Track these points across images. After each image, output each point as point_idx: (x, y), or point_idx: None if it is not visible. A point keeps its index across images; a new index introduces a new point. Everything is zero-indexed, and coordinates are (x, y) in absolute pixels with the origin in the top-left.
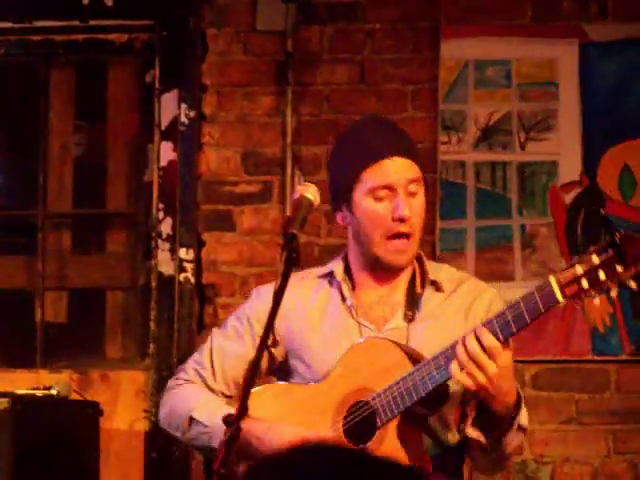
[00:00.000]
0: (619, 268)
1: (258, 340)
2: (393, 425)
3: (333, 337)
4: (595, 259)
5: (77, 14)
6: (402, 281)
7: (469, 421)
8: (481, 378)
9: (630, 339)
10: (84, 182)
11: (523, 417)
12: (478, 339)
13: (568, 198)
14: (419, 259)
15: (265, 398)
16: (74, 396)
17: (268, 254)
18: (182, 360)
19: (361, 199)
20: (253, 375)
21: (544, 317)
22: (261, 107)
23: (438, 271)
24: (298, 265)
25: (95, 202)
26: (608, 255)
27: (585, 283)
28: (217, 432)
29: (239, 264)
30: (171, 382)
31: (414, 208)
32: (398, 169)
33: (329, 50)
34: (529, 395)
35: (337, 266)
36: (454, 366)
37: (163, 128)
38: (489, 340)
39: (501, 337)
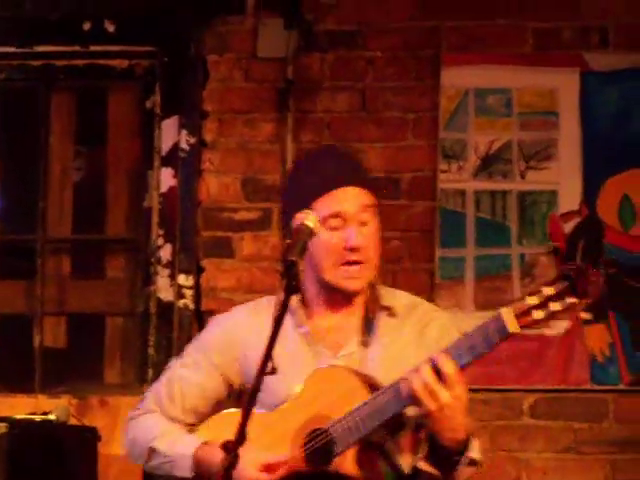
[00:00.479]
0: (570, 300)
1: (216, 370)
2: (351, 452)
3: (287, 365)
4: (548, 290)
5: (78, 39)
6: (357, 307)
7: (420, 455)
8: (433, 406)
9: (629, 369)
10: (84, 207)
11: (475, 451)
12: (435, 366)
13: (568, 227)
14: (372, 285)
15: (223, 426)
16: (73, 421)
17: (267, 281)
18: None
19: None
20: (252, 402)
21: (543, 347)
22: (262, 134)
23: (392, 296)
24: (298, 292)
25: (95, 227)
26: (560, 287)
27: (537, 314)
28: (178, 461)
29: (238, 290)
30: (131, 412)
31: (366, 236)
32: (349, 198)
33: (330, 77)
34: (527, 424)
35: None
36: (409, 392)
37: (163, 154)
38: (446, 367)
39: (456, 365)
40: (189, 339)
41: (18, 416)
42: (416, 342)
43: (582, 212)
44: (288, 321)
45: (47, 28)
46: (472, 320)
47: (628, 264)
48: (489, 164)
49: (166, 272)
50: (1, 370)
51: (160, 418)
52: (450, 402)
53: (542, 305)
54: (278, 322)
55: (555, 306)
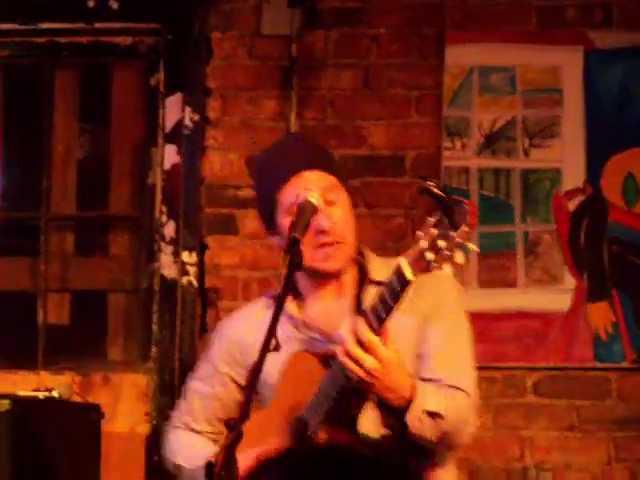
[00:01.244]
0: (452, 233)
1: (226, 378)
2: (323, 431)
3: (283, 357)
4: (433, 230)
5: (82, 16)
6: (347, 288)
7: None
8: (360, 372)
9: (632, 347)
10: (88, 185)
11: (430, 403)
12: (355, 331)
13: (571, 205)
14: (359, 262)
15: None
16: (75, 398)
17: (271, 258)
18: (184, 363)
19: (282, 220)
20: (255, 380)
21: (547, 325)
22: (265, 111)
23: (384, 268)
24: (301, 269)
25: (98, 205)
26: (443, 223)
27: (429, 255)
28: (198, 473)
29: (242, 268)
30: (164, 429)
31: (335, 216)
32: (308, 183)
33: (334, 55)
34: (531, 402)
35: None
36: (339, 361)
37: (167, 131)
38: (362, 334)
39: (375, 326)
40: (192, 316)
41: (21, 393)
42: (410, 309)
43: (586, 190)
44: (282, 314)
45: (51, 5)
46: (476, 298)
47: (632, 242)
48: (493, 142)
49: (170, 249)
50: (4, 347)
51: (183, 434)
52: (377, 366)
53: (431, 246)
54: (282, 299)
55: (441, 243)
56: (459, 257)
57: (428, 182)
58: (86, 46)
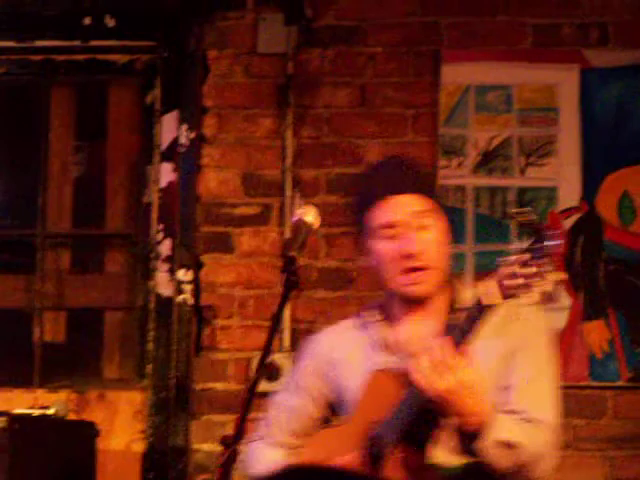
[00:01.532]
0: (544, 261)
1: (315, 392)
2: (398, 451)
3: (363, 376)
4: (524, 257)
5: (78, 34)
6: (436, 313)
7: (450, 445)
8: (435, 390)
9: (628, 365)
10: (83, 202)
11: (502, 431)
12: (434, 351)
13: (567, 223)
14: (450, 289)
15: (321, 443)
16: (71, 416)
17: (266, 276)
18: (180, 381)
19: (370, 242)
20: (250, 398)
21: None
22: (261, 129)
23: (470, 297)
24: (298, 288)
25: (94, 222)
26: (534, 251)
27: (519, 281)
28: None
29: (237, 286)
30: (247, 441)
31: (425, 241)
32: (399, 207)
33: (330, 73)
34: None
35: (372, 309)
36: (415, 378)
37: (163, 149)
38: (443, 351)
39: (458, 345)
40: (188, 334)
41: (17, 411)
42: (496, 335)
43: (582, 208)
44: (371, 336)
45: (47, 23)
46: None
47: (628, 260)
48: (489, 160)
49: (165, 267)
50: (0, 364)
51: (267, 447)
52: (451, 386)
53: (521, 272)
54: (276, 318)
55: (531, 270)
56: (547, 285)
57: (522, 210)
58: (82, 64)
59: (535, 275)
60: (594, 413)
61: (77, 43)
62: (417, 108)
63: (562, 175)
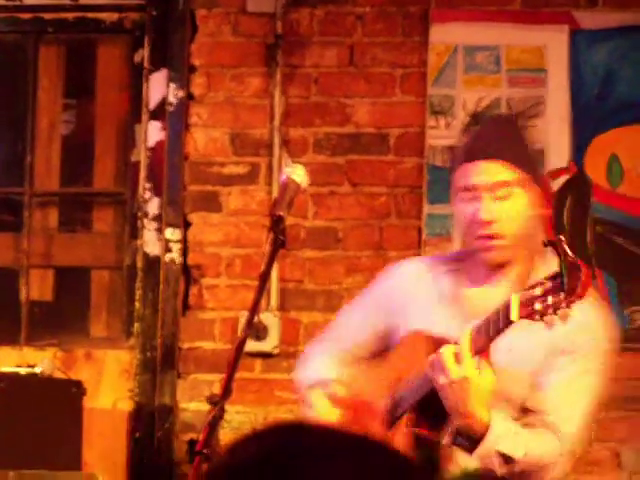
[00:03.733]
0: (561, 295)
1: (381, 314)
2: (403, 420)
3: (427, 326)
4: (548, 283)
5: None
6: (509, 282)
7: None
8: (441, 379)
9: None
10: (71, 161)
11: (505, 446)
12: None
13: (556, 185)
14: (528, 265)
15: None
16: (58, 374)
17: (254, 236)
18: (167, 340)
19: (454, 198)
20: (237, 358)
21: None
22: (250, 89)
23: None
24: (285, 247)
25: (82, 181)
26: (557, 281)
27: (538, 305)
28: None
29: (225, 245)
30: (308, 349)
31: (501, 211)
32: (481, 173)
33: (319, 33)
34: None
35: (447, 257)
36: (429, 362)
37: (151, 108)
38: (462, 342)
39: (473, 346)
40: (176, 293)
41: (3, 369)
42: (549, 332)
43: (570, 169)
44: (437, 282)
45: None
46: None
47: (616, 222)
48: (477, 121)
49: (153, 226)
50: None
51: (322, 362)
52: (458, 379)
53: (542, 296)
54: (264, 277)
55: (549, 299)
56: (557, 320)
57: (560, 237)
58: (71, 22)
59: (551, 306)
60: None
61: (66, 1)
62: (405, 68)
63: (550, 136)
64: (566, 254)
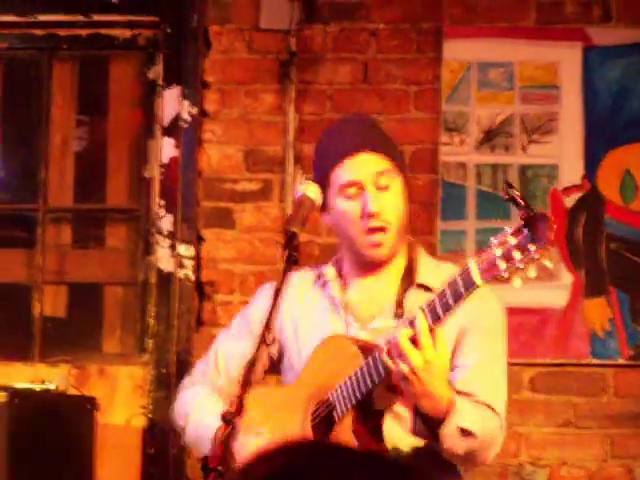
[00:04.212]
0: (531, 247)
1: (256, 339)
2: (348, 420)
3: (317, 334)
4: (511, 240)
5: (81, 9)
6: (391, 278)
7: (410, 426)
8: (404, 367)
9: (628, 343)
10: (85, 177)
11: (467, 420)
12: (412, 325)
13: (569, 201)
14: (412, 258)
15: (261, 401)
16: (71, 391)
17: (268, 252)
18: (180, 356)
19: (333, 200)
20: (250, 373)
21: (543, 320)
22: (263, 105)
23: (433, 271)
24: (298, 264)
25: (96, 197)
26: (522, 235)
27: (502, 264)
28: (201, 441)
29: (238, 262)
30: (181, 384)
31: (385, 201)
32: (362, 165)
33: (332, 49)
34: (527, 398)
35: (328, 266)
36: (384, 352)
37: (165, 124)
38: (418, 326)
39: (430, 323)
40: (189, 309)
41: (17, 385)
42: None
43: (584, 186)
44: (324, 294)
45: None
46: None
47: (629, 239)
48: (491, 137)
49: (167, 242)
50: (1, 338)
51: (199, 392)
52: (421, 364)
53: (505, 255)
54: (277, 295)
55: (516, 255)
56: (532, 271)
57: (514, 191)
58: (85, 39)
59: (520, 261)
60: (595, 391)
61: (80, 18)
62: (419, 85)
63: (564, 153)
64: (527, 207)
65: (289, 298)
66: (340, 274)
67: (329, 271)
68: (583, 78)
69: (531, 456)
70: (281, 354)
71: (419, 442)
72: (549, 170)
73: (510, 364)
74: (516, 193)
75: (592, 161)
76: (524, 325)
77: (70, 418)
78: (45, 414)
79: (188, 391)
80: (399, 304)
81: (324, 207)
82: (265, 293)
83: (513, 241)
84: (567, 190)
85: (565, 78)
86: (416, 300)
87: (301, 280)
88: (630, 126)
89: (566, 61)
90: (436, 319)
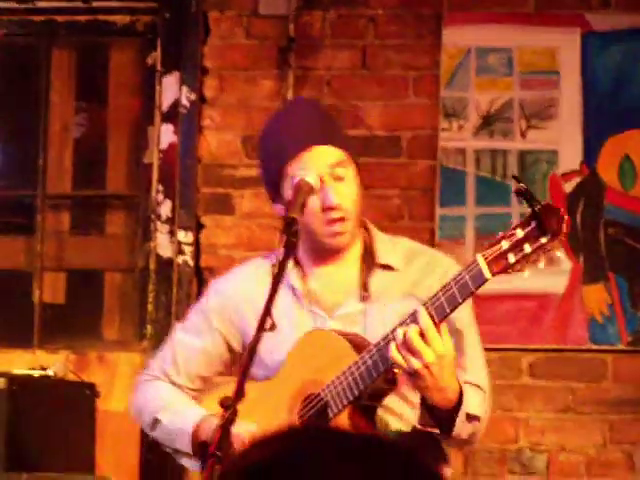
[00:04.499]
0: (543, 239)
1: (217, 334)
2: (344, 416)
3: (285, 326)
4: (519, 233)
5: None
6: (352, 265)
7: (416, 418)
8: (416, 364)
9: (627, 329)
10: (84, 163)
11: (472, 406)
12: (415, 321)
13: (568, 187)
14: (367, 238)
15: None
16: (71, 377)
17: (267, 238)
18: None
19: (288, 193)
20: (250, 359)
21: (542, 306)
22: (262, 91)
23: (390, 249)
24: (297, 249)
25: (95, 183)
26: (531, 227)
27: (512, 257)
28: (179, 436)
29: (238, 248)
30: (139, 377)
31: (343, 192)
32: (319, 158)
33: (331, 35)
34: (526, 384)
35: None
36: (393, 349)
37: (164, 110)
38: (424, 322)
39: (436, 319)
40: (188, 296)
41: (17, 371)
42: (416, 293)
43: (583, 172)
44: (283, 282)
45: None
46: None
47: (628, 224)
48: (490, 123)
49: (166, 228)
50: (0, 325)
51: (166, 387)
52: (434, 359)
53: (514, 248)
54: (277, 279)
55: (527, 248)
56: (542, 264)
57: (524, 186)
58: (83, 25)
59: (531, 253)
60: (594, 377)
61: (78, 4)
62: (418, 70)
63: (563, 138)
64: (537, 200)
65: (248, 289)
66: (297, 263)
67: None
68: (582, 64)
69: (530, 442)
70: (243, 347)
71: (411, 428)
72: (548, 156)
73: (509, 350)
74: (524, 187)
75: (591, 147)
76: (523, 311)
77: (70, 404)
78: (45, 400)
79: (151, 386)
80: (364, 287)
81: (277, 198)
82: (219, 288)
83: (521, 234)
84: (566, 176)
85: (564, 64)
86: (381, 281)
87: (257, 269)
88: (629, 112)
89: (565, 47)
90: (442, 315)
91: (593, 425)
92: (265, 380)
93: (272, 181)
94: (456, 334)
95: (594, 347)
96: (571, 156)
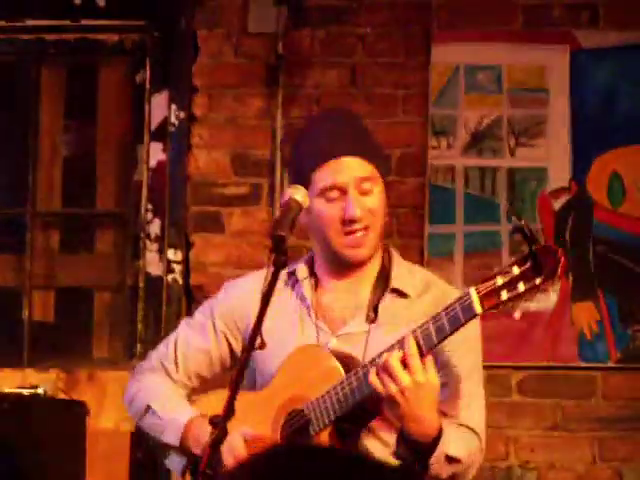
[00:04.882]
0: (537, 280)
1: (221, 336)
2: (325, 434)
3: (289, 339)
4: (515, 270)
5: (69, 14)
6: (366, 282)
7: (393, 450)
8: (393, 388)
9: (617, 346)
10: (73, 181)
11: (453, 447)
12: (402, 347)
13: (557, 204)
14: (386, 261)
15: (211, 405)
16: (61, 395)
17: (256, 256)
18: None
19: (313, 201)
20: (240, 375)
21: (532, 324)
22: (251, 109)
23: (406, 275)
24: (286, 268)
25: (84, 202)
26: (527, 267)
27: (504, 295)
28: (169, 426)
29: (227, 266)
30: (138, 367)
31: (367, 206)
32: (347, 169)
33: (320, 53)
34: (515, 401)
35: (300, 265)
36: (372, 373)
37: (153, 129)
38: (409, 349)
39: (423, 347)
40: (178, 314)
41: (6, 390)
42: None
43: (572, 189)
44: (295, 294)
45: (38, 2)
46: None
47: (617, 242)
48: (479, 140)
49: (155, 247)
50: None
51: (165, 379)
52: (411, 386)
53: (508, 285)
54: (266, 297)
55: (521, 286)
56: (534, 303)
57: (524, 222)
58: (72, 43)
59: (524, 292)
60: (583, 394)
61: (67, 22)
62: (407, 88)
63: (552, 156)
64: (536, 239)
65: (248, 297)
66: (312, 273)
67: (301, 269)
68: (571, 81)
69: (520, 459)
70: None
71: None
72: (537, 173)
73: (498, 367)
74: (526, 225)
75: (580, 164)
76: (512, 328)
77: (59, 423)
78: (34, 419)
79: (147, 376)
80: (374, 309)
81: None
82: (229, 290)
83: (517, 271)
84: (555, 193)
85: (553, 81)
86: (390, 305)
87: (260, 280)
88: (618, 129)
89: (554, 64)
90: (430, 345)
91: (583, 442)
92: (258, 390)
93: (300, 185)
94: (456, 379)
95: (583, 364)
96: (560, 173)
